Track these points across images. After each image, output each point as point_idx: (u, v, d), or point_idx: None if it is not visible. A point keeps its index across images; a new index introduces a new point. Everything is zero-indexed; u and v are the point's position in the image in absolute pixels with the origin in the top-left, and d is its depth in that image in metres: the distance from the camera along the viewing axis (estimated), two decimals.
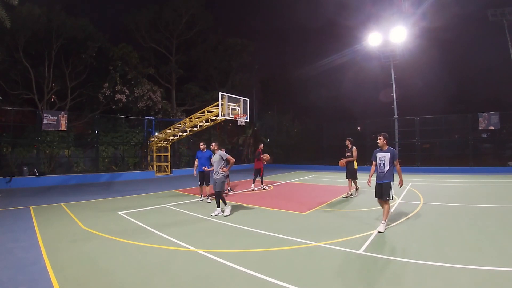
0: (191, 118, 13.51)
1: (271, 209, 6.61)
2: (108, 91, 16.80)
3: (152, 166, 16.28)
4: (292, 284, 2.83)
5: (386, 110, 18.87)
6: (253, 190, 9.65)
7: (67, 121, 13.29)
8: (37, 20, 14.22)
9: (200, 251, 3.86)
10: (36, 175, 12.07)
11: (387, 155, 4.73)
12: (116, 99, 17.02)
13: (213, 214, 5.93)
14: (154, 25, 22.56)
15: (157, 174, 16.30)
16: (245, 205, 7.15)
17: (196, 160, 7.86)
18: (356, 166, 7.90)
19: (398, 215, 5.67)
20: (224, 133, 23.77)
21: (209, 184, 7.64)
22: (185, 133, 14.75)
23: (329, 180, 12.75)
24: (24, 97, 15.78)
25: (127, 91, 17.30)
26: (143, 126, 16.93)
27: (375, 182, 4.83)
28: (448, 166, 15.75)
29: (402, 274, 3.06)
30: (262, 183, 10.01)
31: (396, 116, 17.70)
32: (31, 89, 15.39)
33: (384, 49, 17.71)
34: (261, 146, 10.28)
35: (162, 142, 15.87)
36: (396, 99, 17.80)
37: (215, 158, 6.18)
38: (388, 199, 4.69)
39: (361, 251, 3.74)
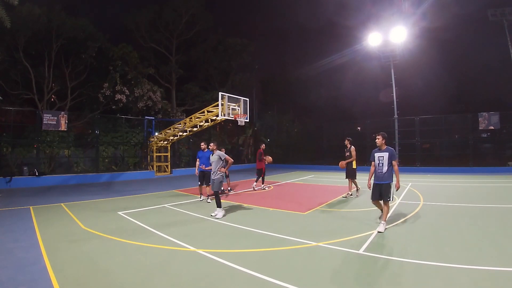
0: (191, 118, 13.51)
1: (271, 209, 6.61)
2: (108, 91, 16.79)
3: (152, 166, 16.28)
4: (292, 284, 2.83)
5: (386, 110, 18.89)
6: (254, 189, 9.71)
7: (67, 121, 13.29)
8: (37, 20, 14.21)
9: (200, 251, 3.86)
10: (36, 175, 12.07)
11: (386, 155, 4.68)
12: (116, 99, 17.02)
13: (213, 214, 5.93)
14: (154, 25, 22.55)
15: (157, 174, 16.30)
16: (245, 205, 7.15)
17: (198, 159, 7.89)
18: (354, 166, 7.88)
19: (398, 215, 5.67)
20: (224, 133, 23.76)
21: (209, 184, 7.64)
22: (185, 133, 14.75)
23: (329, 180, 12.75)
24: (24, 97, 15.77)
25: (127, 91, 17.29)
26: (143, 126, 16.92)
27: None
28: (448, 166, 15.75)
29: (402, 274, 3.06)
30: (262, 183, 10.05)
31: (396, 116, 17.70)
32: (31, 89, 15.39)
33: (384, 49, 17.71)
34: (263, 146, 10.29)
35: (162, 142, 15.87)
36: (396, 99, 17.80)
37: (213, 158, 6.19)
38: (389, 200, 4.65)
39: (361, 251, 3.74)
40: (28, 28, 13.99)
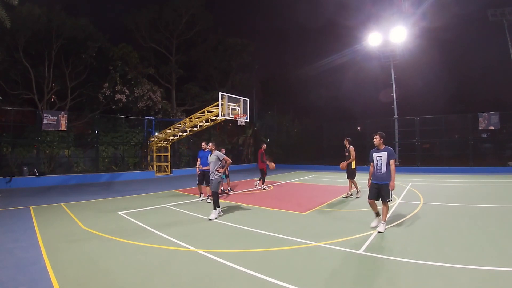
0: (191, 118, 13.51)
1: (271, 209, 6.61)
2: (108, 91, 16.78)
3: (152, 166, 16.28)
4: (292, 284, 2.83)
5: (386, 110, 18.90)
6: (255, 187, 9.90)
7: (67, 121, 13.29)
8: (37, 20, 14.20)
9: (200, 251, 3.86)
10: (36, 175, 12.07)
11: (384, 155, 4.64)
12: (116, 99, 17.01)
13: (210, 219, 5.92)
14: (154, 25, 22.55)
15: (157, 174, 16.29)
16: (245, 205, 7.15)
17: (198, 159, 7.91)
18: (353, 166, 7.88)
19: (398, 215, 5.67)
20: (224, 133, 23.76)
21: (209, 184, 7.65)
22: (185, 133, 14.75)
23: (329, 180, 12.75)
24: (24, 97, 15.76)
25: (127, 91, 17.29)
26: (143, 126, 16.92)
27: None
28: (448, 166, 15.74)
29: (402, 274, 3.06)
30: (263, 183, 10.07)
31: (396, 116, 17.71)
32: (31, 89, 15.38)
33: (384, 49, 17.73)
34: (264, 146, 10.33)
35: (162, 142, 15.87)
36: (396, 99, 17.82)
37: (211, 159, 6.17)
38: (388, 201, 4.64)
39: (361, 251, 3.74)
40: (28, 28, 13.98)
